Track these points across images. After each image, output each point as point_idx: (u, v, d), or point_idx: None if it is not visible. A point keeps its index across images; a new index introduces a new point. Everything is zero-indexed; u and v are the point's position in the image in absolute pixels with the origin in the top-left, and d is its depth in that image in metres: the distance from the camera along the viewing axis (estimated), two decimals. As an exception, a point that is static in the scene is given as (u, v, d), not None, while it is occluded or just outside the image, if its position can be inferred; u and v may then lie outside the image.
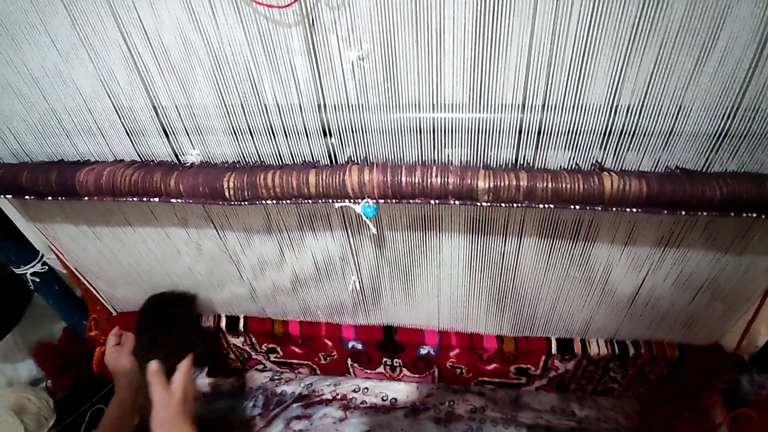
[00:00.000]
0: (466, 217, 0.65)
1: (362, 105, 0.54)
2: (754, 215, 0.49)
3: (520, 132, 0.53)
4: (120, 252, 0.79)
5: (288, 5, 0.46)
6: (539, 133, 0.53)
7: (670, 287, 0.70)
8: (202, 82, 0.54)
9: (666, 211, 0.50)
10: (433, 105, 0.53)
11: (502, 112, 0.52)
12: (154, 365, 0.77)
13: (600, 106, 0.50)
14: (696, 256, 0.65)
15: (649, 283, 0.70)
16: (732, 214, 0.49)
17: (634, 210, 0.51)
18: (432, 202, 0.54)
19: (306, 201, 0.56)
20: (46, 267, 0.94)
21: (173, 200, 0.59)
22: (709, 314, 0.74)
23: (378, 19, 0.47)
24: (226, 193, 0.57)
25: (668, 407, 0.94)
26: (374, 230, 0.58)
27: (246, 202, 0.57)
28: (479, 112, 0.52)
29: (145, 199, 0.59)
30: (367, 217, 0.55)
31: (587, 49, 0.46)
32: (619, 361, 0.83)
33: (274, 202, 0.57)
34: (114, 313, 0.95)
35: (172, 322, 0.83)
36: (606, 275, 0.70)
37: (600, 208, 0.51)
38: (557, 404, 1.05)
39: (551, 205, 0.52)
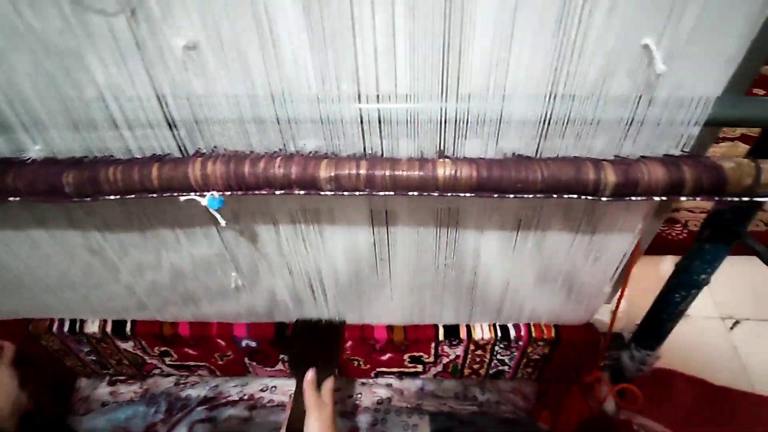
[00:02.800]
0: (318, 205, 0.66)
1: (202, 96, 0.53)
2: (575, 197, 0.52)
3: (362, 122, 0.54)
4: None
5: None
6: (380, 123, 0.54)
7: (535, 270, 0.73)
8: (32, 73, 0.52)
9: (496, 195, 0.52)
10: (275, 95, 0.53)
11: (342, 102, 0.52)
12: (311, 374, 0.78)
13: (433, 95, 0.52)
14: (554, 239, 0.69)
15: (515, 268, 0.73)
16: (555, 196, 0.52)
17: (468, 195, 0.53)
18: (277, 192, 0.54)
19: (151, 195, 0.55)
20: None
21: (11, 198, 0.56)
22: (577, 295, 0.78)
23: (201, 6, 0.46)
24: (66, 189, 0.54)
25: (557, 386, 0.99)
26: (223, 223, 0.57)
27: (88, 199, 0.55)
28: (323, 102, 0.52)
29: (-20, 198, 0.56)
30: (213, 209, 0.55)
31: (410, 40, 0.48)
32: (504, 343, 0.86)
33: (118, 197, 0.55)
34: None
35: (326, 341, 0.85)
36: (476, 261, 0.73)
37: (437, 194, 0.53)
38: (460, 390, 1.08)
39: (391, 192, 0.53)
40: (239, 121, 0.54)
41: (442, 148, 0.56)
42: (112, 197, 0.55)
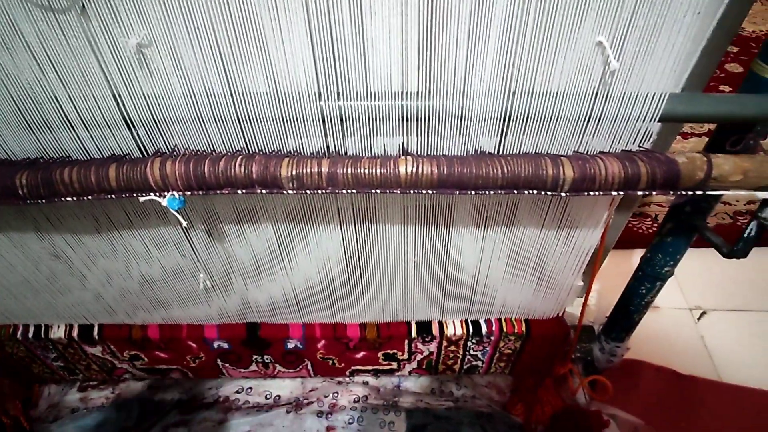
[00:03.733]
0: (290, 205, 0.66)
1: (158, 94, 0.52)
2: (535, 192, 0.53)
3: (323, 119, 0.54)
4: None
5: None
6: (341, 120, 0.54)
7: (504, 264, 0.74)
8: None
9: (458, 192, 0.53)
10: (234, 92, 0.52)
11: (299, 100, 0.52)
12: None
13: (392, 92, 0.52)
14: (523, 232, 0.70)
15: (485, 262, 0.74)
16: (515, 192, 0.52)
17: (430, 192, 0.53)
18: (239, 192, 0.53)
19: (108, 196, 0.54)
20: None
21: (-38, 201, 0.54)
22: (545, 289, 0.79)
23: (154, 5, 0.46)
24: (20, 191, 0.53)
25: (530, 378, 1.00)
26: (184, 223, 0.56)
27: (43, 200, 0.54)
28: (278, 100, 0.52)
29: (-70, 201, 0.54)
30: (173, 210, 0.54)
31: (365, 37, 0.48)
32: (476, 339, 0.87)
33: (74, 198, 0.54)
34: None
35: None
36: (446, 256, 0.73)
37: (399, 192, 0.53)
38: (437, 386, 1.08)
39: (353, 190, 0.53)
40: (198, 120, 0.54)
41: (405, 145, 0.56)
42: (68, 199, 0.54)
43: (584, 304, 0.87)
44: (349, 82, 0.51)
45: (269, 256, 0.73)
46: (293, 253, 0.73)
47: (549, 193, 0.53)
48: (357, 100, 0.52)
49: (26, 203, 0.54)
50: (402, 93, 0.52)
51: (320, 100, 0.52)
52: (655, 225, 1.42)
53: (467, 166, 0.52)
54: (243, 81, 0.51)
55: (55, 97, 0.52)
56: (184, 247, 0.71)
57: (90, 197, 0.54)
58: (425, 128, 0.54)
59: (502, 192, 0.53)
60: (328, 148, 0.56)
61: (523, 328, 0.85)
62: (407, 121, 0.53)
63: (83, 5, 0.46)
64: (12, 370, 0.97)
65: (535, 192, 0.53)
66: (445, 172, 0.51)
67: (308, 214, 0.66)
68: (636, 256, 1.31)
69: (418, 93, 0.52)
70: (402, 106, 0.52)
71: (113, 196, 0.54)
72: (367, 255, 0.73)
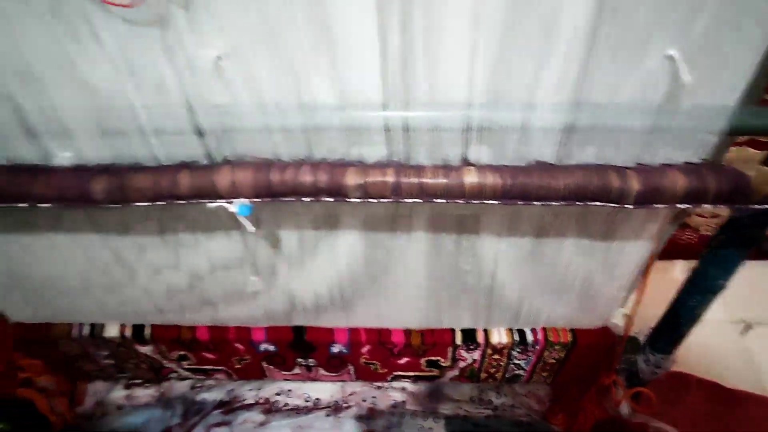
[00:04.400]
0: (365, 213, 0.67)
1: (231, 105, 0.54)
2: (599, 204, 0.52)
3: (387, 130, 0.55)
4: (6, 263, 0.76)
5: (128, 5, 0.45)
6: (406, 131, 0.54)
7: (553, 276, 0.74)
8: (61, 82, 0.53)
9: (521, 202, 0.53)
10: (302, 104, 0.53)
11: (367, 110, 0.53)
12: None
13: (458, 103, 0.52)
14: (572, 245, 0.69)
15: (534, 273, 0.74)
16: (579, 203, 0.52)
17: (493, 202, 0.53)
18: (304, 199, 0.55)
19: (179, 202, 0.56)
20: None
21: (41, 205, 0.56)
22: (594, 299, 0.79)
23: (233, 19, 0.47)
24: (96, 196, 0.55)
25: (572, 389, 0.99)
26: (252, 230, 0.58)
27: (117, 205, 0.56)
28: (344, 110, 0.53)
29: (12, 204, 0.57)
30: (242, 216, 0.55)
31: (435, 50, 0.48)
32: (521, 348, 0.87)
33: (147, 204, 0.56)
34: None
35: None
36: (494, 266, 0.73)
37: (462, 201, 0.53)
38: (476, 394, 1.08)
39: (418, 200, 0.54)
40: (266, 129, 0.55)
41: (465, 155, 0.57)
42: (140, 204, 0.56)
43: (631, 315, 0.86)
44: (415, 92, 0.52)
45: (317, 258, 0.74)
46: (341, 255, 0.73)
47: (613, 205, 0.53)
48: (423, 110, 0.53)
49: (100, 207, 0.56)
50: (467, 104, 0.52)
51: (386, 109, 0.53)
52: (696, 236, 1.39)
53: (531, 176, 0.52)
54: (312, 91, 0.52)
55: (132, 106, 0.54)
56: (234, 244, 0.72)
57: (161, 203, 0.56)
58: (487, 138, 0.55)
59: (565, 203, 0.53)
60: (389, 156, 0.57)
61: (569, 338, 0.84)
62: (471, 131, 0.54)
63: (165, 22, 0.48)
64: (62, 367, 1.00)
65: (598, 204, 0.53)
66: (510, 182, 0.52)
67: (362, 217, 0.67)
68: (675, 267, 1.29)
69: (483, 104, 0.52)
70: (467, 116, 0.53)
71: (183, 202, 0.56)
72: (417, 262, 0.74)
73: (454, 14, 0.46)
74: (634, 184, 0.51)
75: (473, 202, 0.53)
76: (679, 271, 1.18)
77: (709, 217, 1.42)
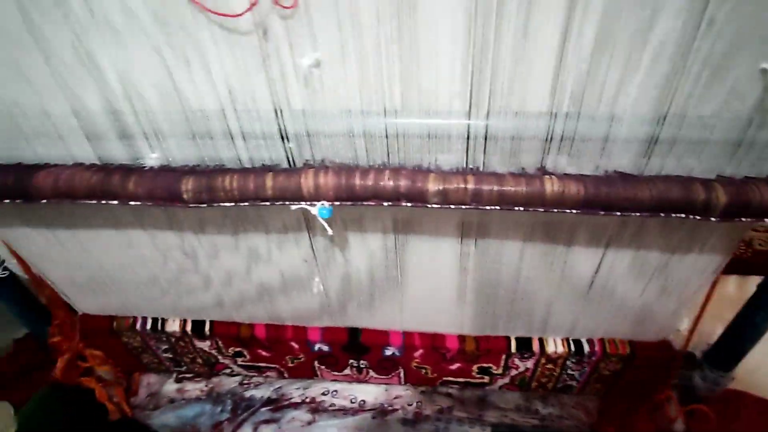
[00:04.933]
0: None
1: (317, 111, 0.56)
2: (683, 216, 0.52)
3: (467, 137, 0.56)
4: (83, 258, 0.79)
5: (240, 14, 0.48)
6: (486, 139, 0.55)
7: (617, 286, 0.73)
8: (158, 87, 0.55)
9: (602, 212, 0.53)
10: (387, 110, 0.55)
11: (449, 118, 0.54)
12: None
13: (540, 113, 0.53)
14: (643, 257, 0.69)
15: (601, 280, 0.73)
16: (662, 214, 0.52)
17: (574, 211, 0.53)
18: (384, 204, 0.56)
19: (263, 203, 0.58)
20: (7, 272, 0.93)
21: (131, 202, 0.59)
22: (656, 311, 0.78)
23: (328, 32, 0.49)
24: (184, 195, 0.58)
25: (625, 403, 0.97)
26: (330, 232, 0.59)
27: (204, 205, 0.58)
28: (427, 117, 0.54)
29: (103, 201, 0.60)
30: (322, 219, 0.57)
31: (523, 59, 0.49)
32: (576, 358, 0.86)
33: (233, 204, 0.58)
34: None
35: None
36: (559, 276, 0.73)
37: (542, 210, 0.54)
38: (522, 403, 1.07)
39: (497, 207, 0.55)
40: (349, 134, 0.57)
41: (543, 164, 0.57)
42: (226, 204, 0.58)
43: (693, 330, 0.84)
44: (500, 101, 0.53)
45: (380, 262, 0.75)
46: (405, 260, 0.75)
47: (697, 217, 0.52)
48: (507, 119, 0.53)
49: (188, 206, 0.59)
50: (552, 113, 0.53)
51: (468, 117, 0.54)
52: (750, 250, 1.35)
53: (614, 186, 0.52)
54: (397, 99, 0.54)
55: (223, 110, 0.57)
56: (302, 245, 0.73)
57: (246, 203, 0.58)
58: (566, 148, 0.55)
59: (648, 214, 0.53)
60: (467, 163, 0.58)
61: (628, 350, 0.83)
62: (552, 141, 0.54)
63: (265, 31, 0.50)
64: (122, 359, 1.04)
65: (682, 216, 0.52)
66: (592, 192, 0.52)
67: (432, 224, 0.68)
68: (729, 282, 1.26)
69: (568, 113, 0.53)
70: (548, 126, 0.53)
71: (267, 203, 0.58)
72: (480, 269, 0.74)
73: (544, 30, 0.47)
74: (721, 197, 0.50)
75: (554, 210, 0.54)
76: (732, 286, 1.15)
77: (763, 231, 1.38)
